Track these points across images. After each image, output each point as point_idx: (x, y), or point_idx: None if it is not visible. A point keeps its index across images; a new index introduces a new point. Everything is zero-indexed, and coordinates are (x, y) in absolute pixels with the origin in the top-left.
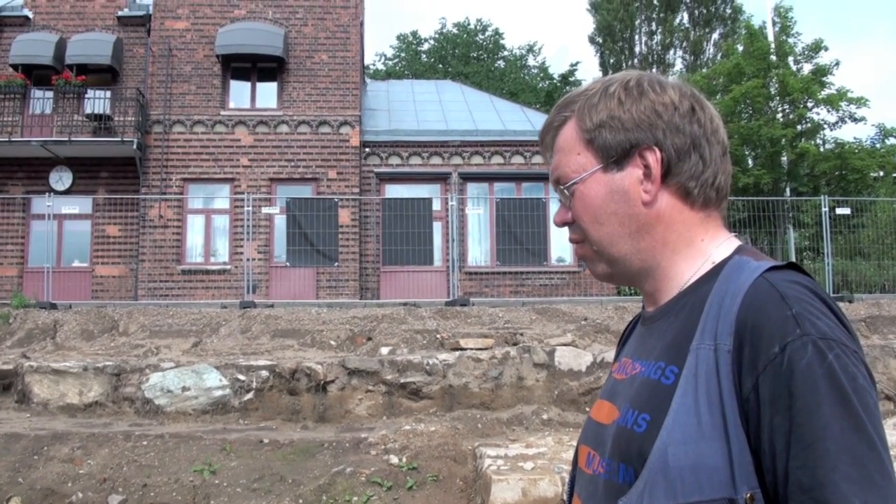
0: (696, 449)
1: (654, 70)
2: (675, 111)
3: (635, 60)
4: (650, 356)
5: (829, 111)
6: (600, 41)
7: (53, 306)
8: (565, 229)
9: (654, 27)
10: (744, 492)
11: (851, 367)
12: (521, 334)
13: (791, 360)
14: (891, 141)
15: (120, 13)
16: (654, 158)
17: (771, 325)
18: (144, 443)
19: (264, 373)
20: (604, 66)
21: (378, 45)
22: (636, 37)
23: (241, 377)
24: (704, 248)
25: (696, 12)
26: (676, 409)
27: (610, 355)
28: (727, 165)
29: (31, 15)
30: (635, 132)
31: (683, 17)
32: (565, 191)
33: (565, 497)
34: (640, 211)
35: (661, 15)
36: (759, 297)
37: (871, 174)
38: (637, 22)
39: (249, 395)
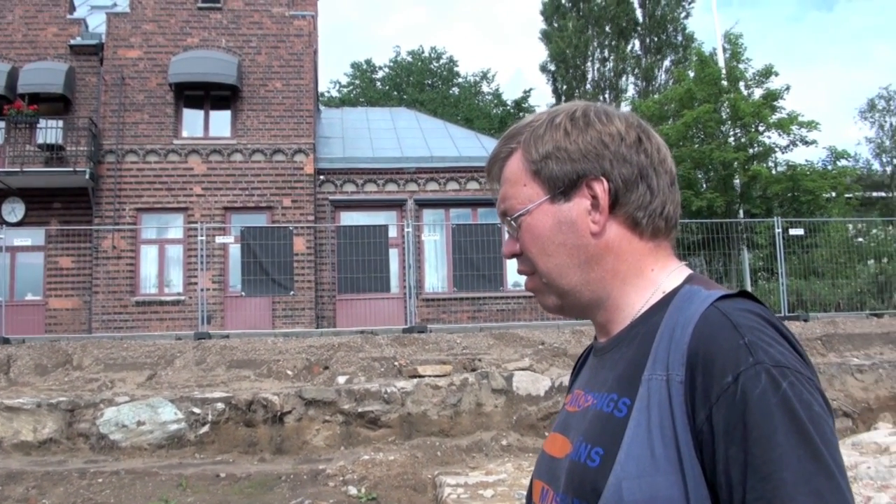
0: (651, 482)
1: (606, 96)
2: (621, 141)
3: (587, 87)
4: (602, 388)
5: (780, 135)
6: (553, 69)
7: (6, 341)
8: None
9: (606, 54)
10: None
11: (806, 394)
12: (480, 360)
13: (744, 390)
14: (842, 163)
15: (72, 42)
16: (601, 189)
17: (723, 354)
18: (100, 480)
19: (220, 405)
20: (557, 93)
21: (332, 72)
22: (588, 64)
23: (197, 410)
24: (654, 277)
25: (648, 40)
26: (629, 441)
27: (567, 379)
28: (675, 195)
29: None
30: (582, 163)
31: (635, 45)
32: (512, 222)
33: None
34: (589, 242)
35: (614, 42)
36: (711, 327)
37: (824, 195)
38: (589, 49)
39: (205, 429)
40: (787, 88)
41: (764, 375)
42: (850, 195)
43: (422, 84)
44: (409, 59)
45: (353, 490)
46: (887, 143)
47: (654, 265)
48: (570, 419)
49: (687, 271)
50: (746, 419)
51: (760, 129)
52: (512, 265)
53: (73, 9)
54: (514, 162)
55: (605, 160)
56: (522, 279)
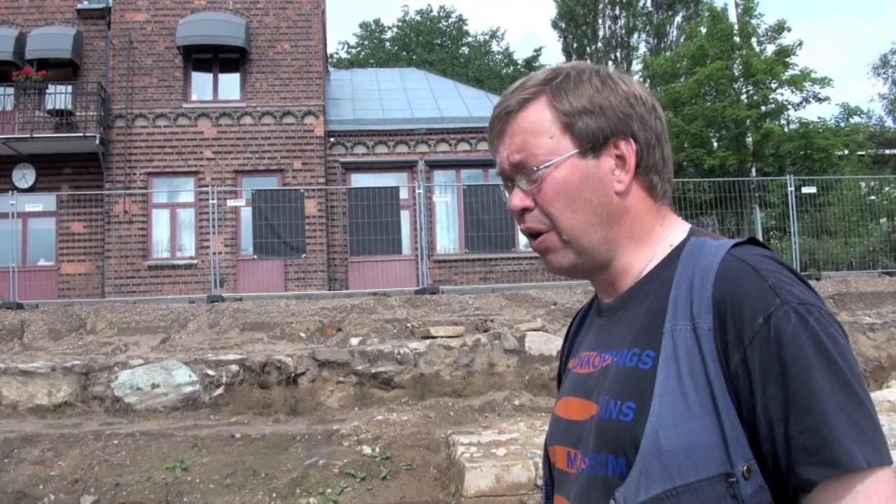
0: (688, 429)
1: (617, 54)
2: (643, 104)
3: (599, 44)
4: (621, 345)
5: (792, 92)
6: (563, 26)
7: (20, 306)
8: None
9: (617, 11)
10: (740, 465)
11: (830, 328)
12: (492, 321)
13: (777, 329)
14: (855, 119)
15: (79, 6)
16: (629, 149)
17: (750, 298)
18: (115, 442)
19: (234, 367)
20: (567, 51)
21: (340, 33)
22: (599, 21)
23: (211, 372)
24: (662, 233)
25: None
26: (661, 392)
27: None
28: (672, 164)
29: None
30: (614, 120)
31: (646, 1)
32: (535, 174)
33: (543, 500)
34: (613, 200)
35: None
36: (733, 273)
37: (836, 153)
38: (600, 6)
39: (220, 391)
40: (800, 44)
41: (793, 314)
42: (863, 152)
43: (431, 44)
44: (418, 18)
45: (367, 450)
46: None
47: (662, 222)
48: (587, 381)
49: (687, 225)
50: (783, 356)
51: (773, 86)
52: None
53: None
54: (534, 112)
55: (633, 121)
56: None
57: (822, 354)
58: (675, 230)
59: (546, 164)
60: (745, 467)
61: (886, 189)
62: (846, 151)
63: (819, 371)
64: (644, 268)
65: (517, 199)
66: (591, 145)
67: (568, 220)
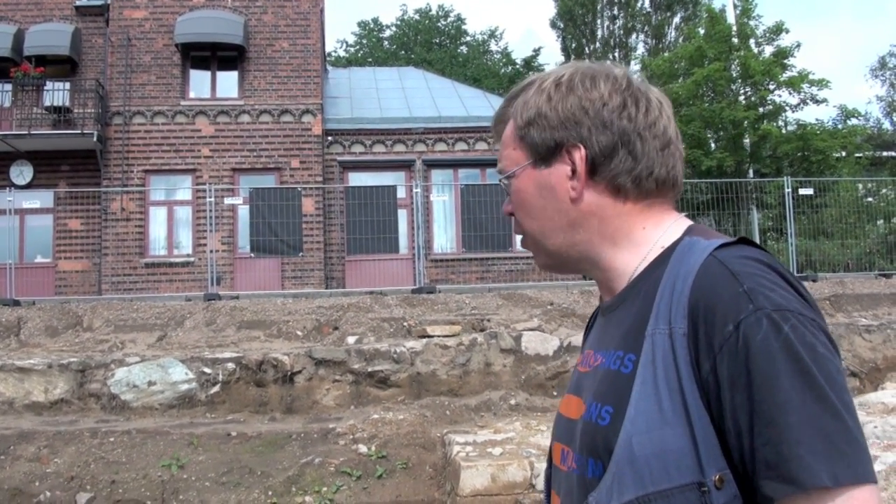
0: (660, 436)
1: (616, 54)
2: (602, 107)
3: (597, 45)
4: (609, 346)
5: (790, 93)
6: (562, 26)
7: (17, 303)
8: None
9: (615, 11)
10: (712, 474)
11: (809, 336)
12: (488, 320)
13: (746, 337)
14: (852, 121)
15: (78, 3)
16: (578, 156)
17: (723, 303)
18: (111, 439)
19: (230, 365)
20: (566, 51)
21: (339, 32)
22: (598, 21)
23: (207, 370)
24: (648, 235)
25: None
26: (637, 397)
27: (577, 339)
28: (670, 157)
29: None
30: (560, 130)
31: (645, 2)
32: (504, 182)
33: (544, 495)
34: (569, 207)
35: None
36: (710, 277)
37: (834, 154)
38: (599, 6)
39: (216, 388)
40: (798, 46)
41: (765, 321)
42: (861, 154)
43: (429, 43)
44: (417, 17)
45: (363, 448)
46: None
47: (646, 223)
48: (583, 380)
49: (686, 223)
50: (749, 366)
51: (771, 87)
52: None
53: None
54: (509, 125)
55: (583, 127)
56: None
57: (794, 364)
58: (669, 230)
59: (507, 175)
60: (717, 477)
61: (884, 191)
62: (843, 153)
63: (788, 381)
64: (633, 269)
65: (505, 205)
66: (540, 156)
67: (529, 226)
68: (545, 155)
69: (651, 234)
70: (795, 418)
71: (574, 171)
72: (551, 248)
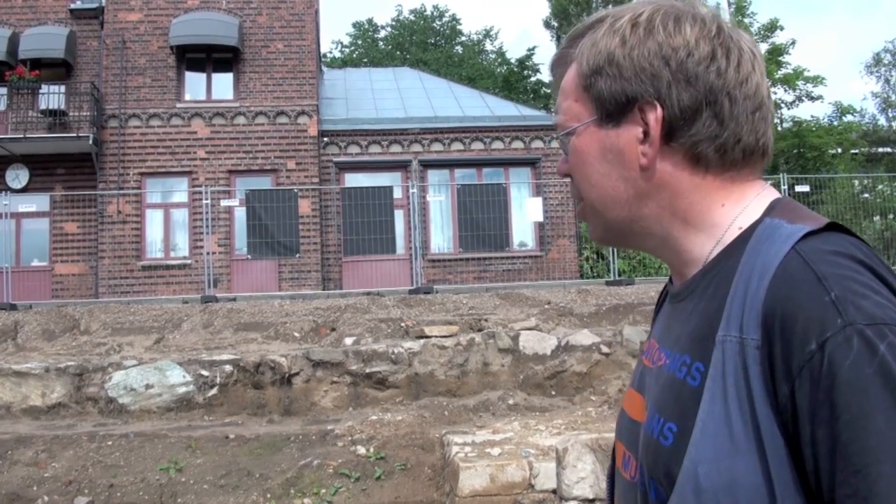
0: (730, 466)
1: None
2: (687, 57)
3: None
4: (675, 346)
5: (786, 90)
6: (556, 25)
7: (13, 307)
8: (522, 213)
9: (610, 9)
10: None
11: None
12: (486, 320)
13: (832, 361)
14: (848, 118)
15: (72, 6)
16: (653, 117)
17: (805, 315)
18: (109, 443)
19: (228, 367)
20: None
21: (334, 32)
22: None
23: (205, 373)
24: (726, 213)
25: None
26: (705, 417)
27: (574, 338)
28: (761, 123)
29: None
30: (634, 83)
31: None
32: (562, 139)
33: (606, 493)
34: (637, 176)
35: None
36: (790, 279)
37: (829, 151)
38: (593, 5)
39: (214, 391)
40: (793, 43)
41: (856, 339)
42: (856, 151)
43: (424, 43)
44: (412, 17)
45: (361, 450)
46: (893, 97)
47: (726, 200)
48: (647, 377)
49: (771, 196)
50: (835, 398)
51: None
52: (516, 225)
53: None
54: (570, 70)
55: (661, 81)
56: (528, 239)
57: (891, 398)
58: (750, 207)
59: (566, 132)
60: None
61: (879, 187)
62: (839, 150)
63: (884, 420)
64: (707, 253)
65: (559, 165)
66: (607, 112)
67: (588, 194)
68: (613, 112)
69: (730, 212)
70: (891, 469)
71: (646, 135)
72: (612, 220)
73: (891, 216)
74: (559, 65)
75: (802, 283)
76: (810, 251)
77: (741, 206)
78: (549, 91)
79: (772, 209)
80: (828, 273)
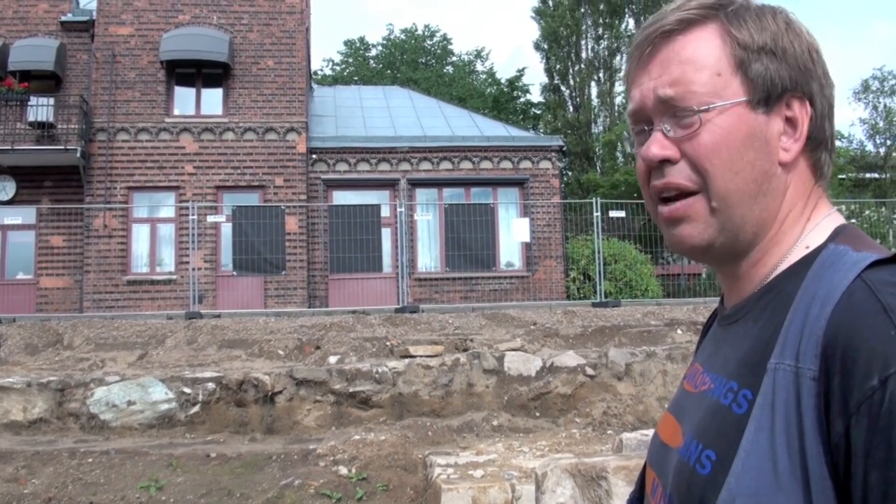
0: (771, 503)
1: (601, 75)
2: (823, 66)
3: (582, 66)
4: (722, 370)
5: None
6: (546, 47)
7: None
8: (509, 233)
9: (600, 32)
10: None
11: None
12: (471, 340)
13: (893, 400)
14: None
15: (63, 18)
16: (804, 111)
17: (868, 348)
18: (90, 460)
19: (211, 385)
20: (549, 72)
21: (325, 50)
22: (582, 42)
23: (188, 390)
24: (802, 227)
25: (642, 18)
26: (748, 448)
27: (559, 359)
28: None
29: None
30: (797, 72)
31: (629, 23)
32: (687, 119)
33: None
34: (774, 171)
35: (607, 20)
36: (855, 309)
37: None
38: (583, 28)
39: (196, 408)
40: None
41: None
42: (844, 176)
43: (415, 62)
44: (403, 37)
45: (343, 470)
46: (881, 124)
47: (812, 213)
48: (686, 401)
49: (837, 221)
50: (893, 439)
51: None
52: (503, 245)
53: None
54: (701, 39)
55: (813, 79)
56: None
57: None
58: (820, 226)
59: (709, 107)
60: None
61: (867, 212)
62: None
63: None
64: (772, 269)
65: (656, 147)
66: (765, 95)
67: (726, 183)
68: (769, 97)
69: (803, 227)
70: None
71: (792, 129)
72: (738, 218)
73: (878, 241)
74: (668, 32)
75: (867, 314)
76: (877, 281)
77: (815, 222)
78: (537, 112)
79: (837, 234)
80: (895, 305)
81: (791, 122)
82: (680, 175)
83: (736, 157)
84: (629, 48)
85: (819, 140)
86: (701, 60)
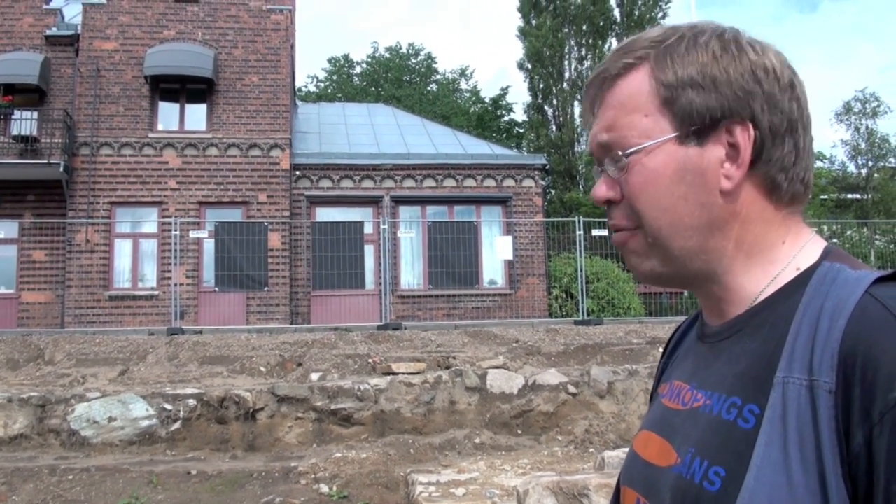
0: None
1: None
2: (776, 81)
3: (565, 85)
4: (719, 387)
5: None
6: (529, 67)
7: None
8: (492, 251)
9: (583, 53)
10: None
11: None
12: (454, 357)
13: None
14: (817, 164)
15: (48, 32)
16: (745, 136)
17: (889, 359)
18: (70, 477)
19: (192, 401)
20: (533, 91)
21: (309, 67)
22: (565, 62)
23: (168, 406)
24: (786, 252)
25: (625, 38)
26: (760, 463)
27: (542, 377)
28: (812, 159)
29: None
30: (730, 99)
31: (612, 44)
32: (622, 159)
33: None
34: (716, 201)
35: (591, 41)
36: (871, 322)
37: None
38: (566, 48)
39: (177, 425)
40: None
41: None
42: (826, 196)
43: (399, 80)
44: (387, 55)
45: (324, 488)
46: (863, 145)
47: (786, 237)
48: (673, 418)
49: (822, 243)
50: None
51: None
52: (486, 263)
53: None
54: (633, 82)
55: (756, 101)
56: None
57: None
58: (806, 249)
59: (635, 149)
60: None
61: (848, 233)
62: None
63: None
64: (758, 291)
65: (602, 189)
66: (694, 128)
67: (656, 220)
68: (700, 129)
69: (789, 251)
70: None
71: (733, 156)
72: (676, 251)
73: (860, 261)
74: (602, 81)
75: (885, 327)
76: (886, 296)
77: (798, 246)
78: (521, 130)
79: (828, 254)
80: None
81: (733, 147)
82: (621, 214)
83: (664, 194)
84: (584, 90)
85: (773, 160)
86: (631, 104)
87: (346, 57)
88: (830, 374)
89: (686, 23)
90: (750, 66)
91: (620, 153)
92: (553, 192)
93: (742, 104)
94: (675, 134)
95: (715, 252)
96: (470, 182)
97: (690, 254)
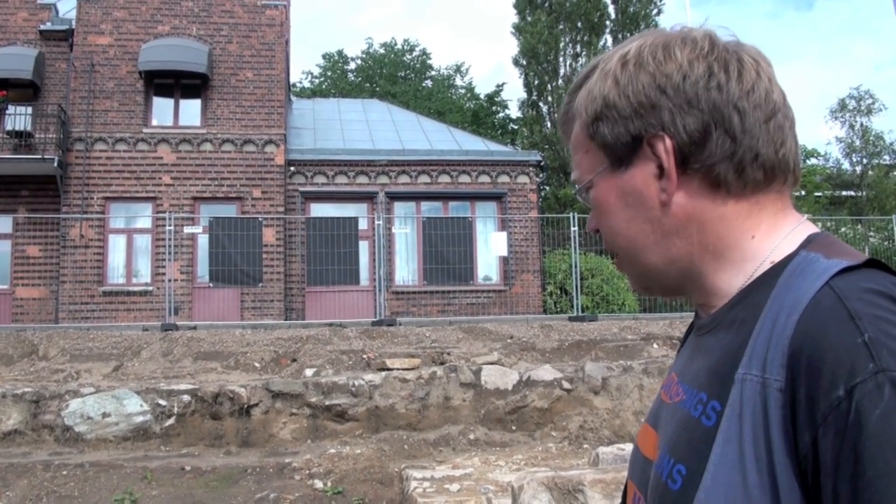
0: None
1: None
2: (683, 80)
3: (560, 81)
4: (694, 381)
5: None
6: (524, 63)
7: None
8: (487, 247)
9: (578, 49)
10: None
11: None
12: (448, 353)
13: (860, 410)
14: (812, 161)
15: (42, 27)
16: (663, 148)
17: (834, 357)
18: (64, 472)
19: (186, 397)
20: (528, 87)
21: (304, 63)
22: (560, 59)
23: (163, 402)
24: (758, 246)
25: (621, 36)
26: (717, 462)
27: (536, 373)
28: (778, 132)
29: None
30: (635, 120)
31: (607, 40)
32: (583, 192)
33: None
34: (660, 214)
35: (585, 38)
36: (820, 317)
37: (794, 193)
38: (561, 45)
39: (171, 421)
40: None
41: (888, 388)
42: (820, 194)
43: (394, 76)
44: (382, 51)
45: (319, 484)
46: (857, 142)
47: (756, 230)
48: (662, 412)
49: (808, 230)
50: (861, 451)
51: None
52: (481, 259)
53: None
54: (576, 124)
55: (662, 111)
56: (492, 272)
57: None
58: (786, 239)
59: (584, 184)
60: None
61: (843, 230)
62: (803, 192)
63: None
64: (736, 288)
65: (590, 220)
66: (616, 156)
67: (618, 244)
68: (623, 154)
69: (763, 246)
70: None
71: (662, 169)
72: (648, 267)
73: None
74: (566, 123)
75: (833, 322)
76: (845, 287)
77: (775, 239)
78: (516, 127)
79: (808, 243)
80: (862, 312)
81: (659, 159)
82: (605, 242)
83: (616, 219)
84: None
85: (706, 156)
86: (576, 143)
87: (340, 53)
88: (781, 371)
89: (615, 47)
90: (649, 78)
91: (577, 188)
92: (548, 188)
93: (648, 119)
94: (605, 165)
95: (684, 259)
96: (465, 178)
97: (661, 266)
